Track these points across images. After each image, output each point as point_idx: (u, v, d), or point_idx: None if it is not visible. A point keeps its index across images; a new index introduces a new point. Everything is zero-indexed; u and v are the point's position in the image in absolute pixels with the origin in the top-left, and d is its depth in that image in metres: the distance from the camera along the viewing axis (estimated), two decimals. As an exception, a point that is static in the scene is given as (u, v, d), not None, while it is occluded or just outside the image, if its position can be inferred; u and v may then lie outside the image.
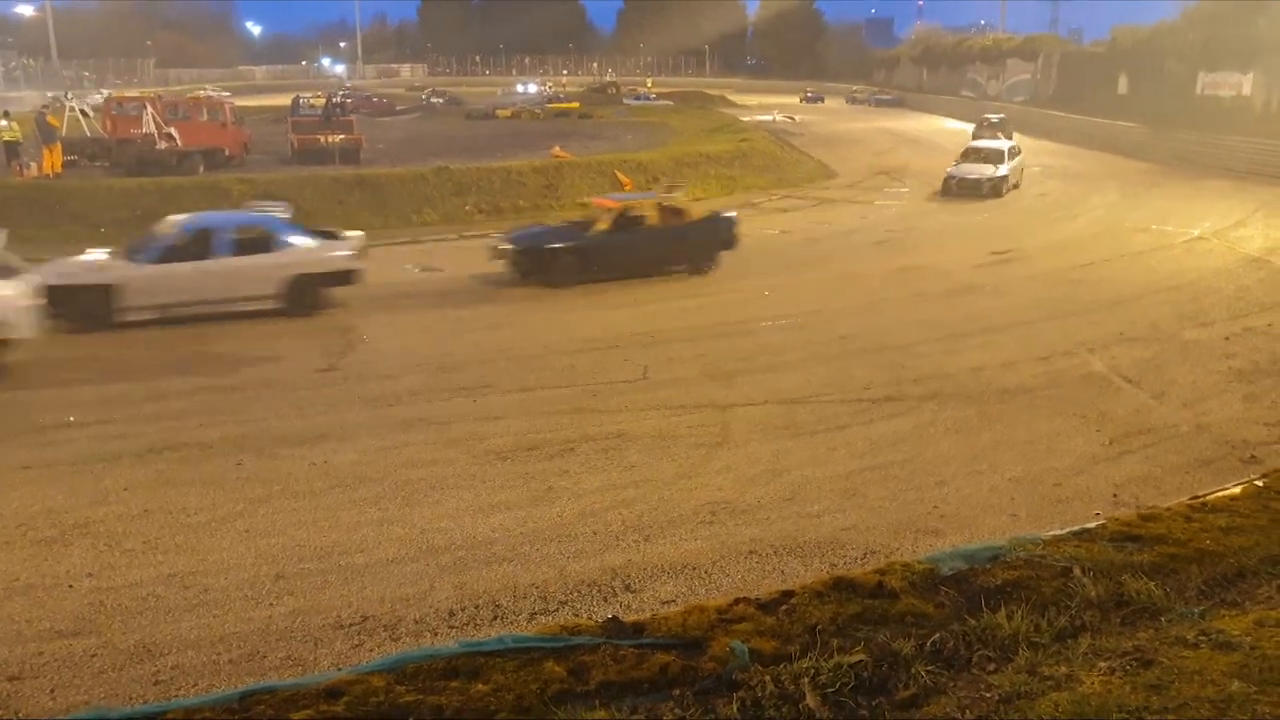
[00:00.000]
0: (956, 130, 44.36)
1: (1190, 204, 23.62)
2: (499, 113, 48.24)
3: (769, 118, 47.45)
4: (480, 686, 4.64)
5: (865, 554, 6.49)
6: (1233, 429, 8.89)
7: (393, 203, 21.75)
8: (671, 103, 57.72)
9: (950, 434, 8.82)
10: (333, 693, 4.54)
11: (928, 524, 6.98)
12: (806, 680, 4.51)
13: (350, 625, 5.65)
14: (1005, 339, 11.93)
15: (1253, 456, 8.23)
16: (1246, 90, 34.70)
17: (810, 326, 12.68)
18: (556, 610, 5.79)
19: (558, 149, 28.93)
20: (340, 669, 4.95)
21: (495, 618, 5.72)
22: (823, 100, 69.01)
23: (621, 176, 25.18)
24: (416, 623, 5.68)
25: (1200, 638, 4.74)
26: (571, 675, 4.70)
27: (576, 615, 5.65)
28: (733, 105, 58.75)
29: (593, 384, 10.23)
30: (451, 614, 5.77)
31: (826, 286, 15.31)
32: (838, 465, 8.06)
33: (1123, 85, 42.80)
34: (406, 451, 8.35)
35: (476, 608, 5.83)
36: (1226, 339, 11.83)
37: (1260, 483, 7.23)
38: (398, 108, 51.51)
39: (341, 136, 28.49)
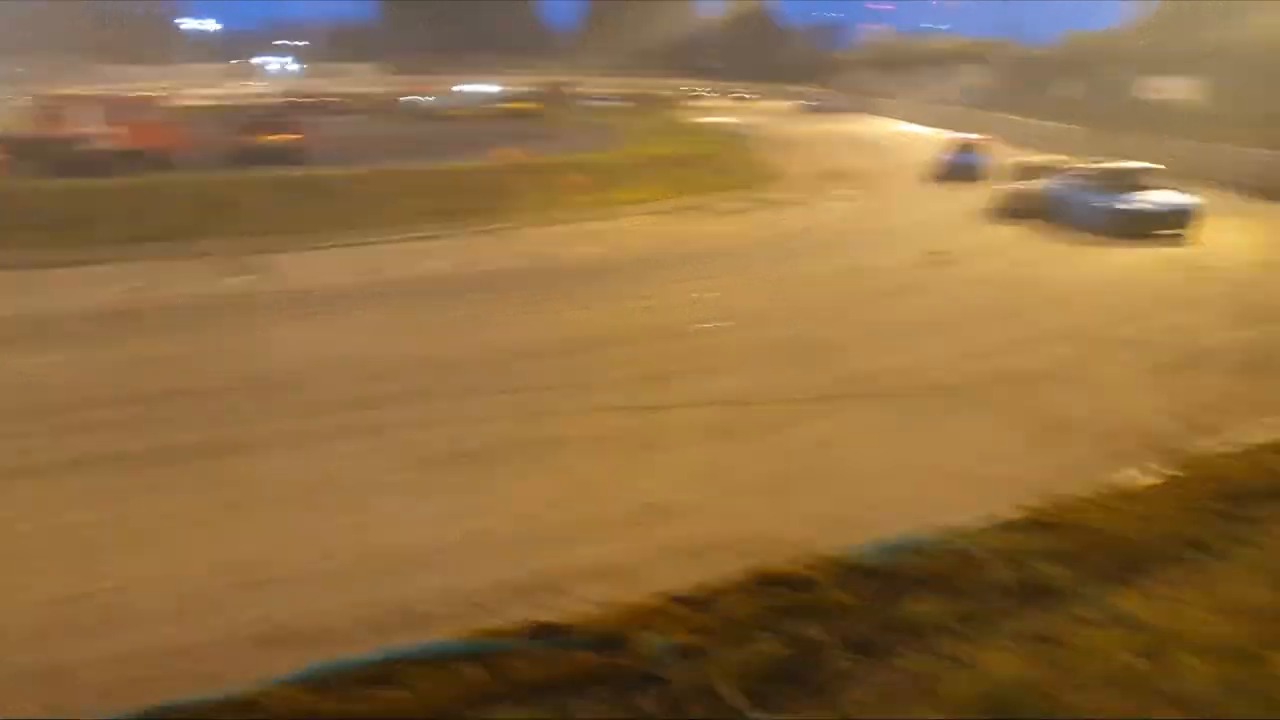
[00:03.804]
0: (906, 133, 45.01)
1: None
2: (451, 113, 47.96)
3: (722, 120, 47.73)
4: (400, 694, 4.65)
5: (792, 549, 6.56)
6: (1150, 422, 9.12)
7: (339, 204, 21.51)
8: (630, 104, 57.79)
9: (879, 432, 8.97)
10: (248, 706, 4.50)
11: (854, 519, 7.06)
12: (725, 672, 4.61)
13: (270, 639, 5.51)
14: (938, 339, 12.10)
15: (1168, 448, 8.47)
16: (1189, 95, 35.69)
17: (750, 328, 12.72)
18: (481, 616, 5.72)
19: (510, 150, 28.84)
20: (257, 682, 4.84)
21: (419, 625, 5.62)
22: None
23: (574, 178, 25.19)
24: (338, 633, 5.55)
25: (1105, 618, 4.96)
26: (492, 678, 4.73)
27: (501, 620, 5.62)
28: (690, 108, 59.04)
29: (526, 388, 10.17)
30: (375, 623, 5.67)
31: (769, 288, 15.39)
32: (768, 465, 8.14)
33: (1070, 89, 43.82)
34: (334, 461, 8.21)
35: (401, 616, 5.74)
36: (1148, 336, 12.15)
37: (1173, 473, 7.47)
38: (346, 108, 50.93)
39: (286, 136, 28.12)
